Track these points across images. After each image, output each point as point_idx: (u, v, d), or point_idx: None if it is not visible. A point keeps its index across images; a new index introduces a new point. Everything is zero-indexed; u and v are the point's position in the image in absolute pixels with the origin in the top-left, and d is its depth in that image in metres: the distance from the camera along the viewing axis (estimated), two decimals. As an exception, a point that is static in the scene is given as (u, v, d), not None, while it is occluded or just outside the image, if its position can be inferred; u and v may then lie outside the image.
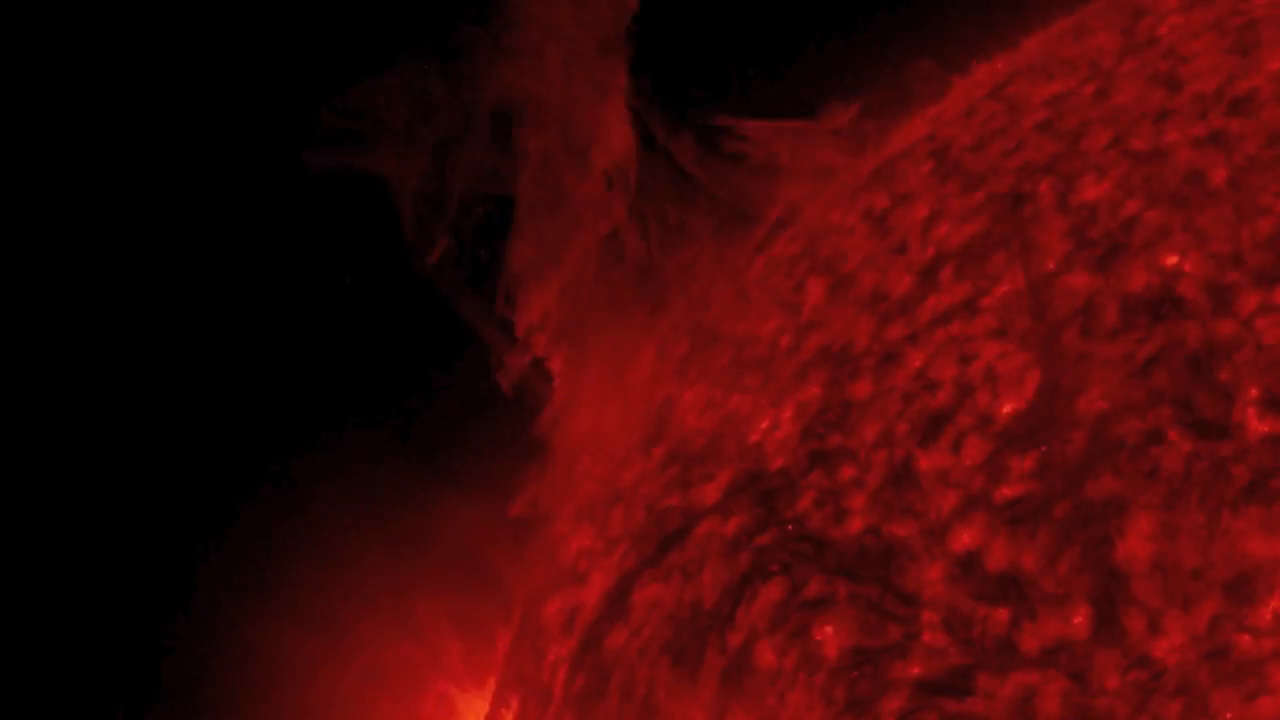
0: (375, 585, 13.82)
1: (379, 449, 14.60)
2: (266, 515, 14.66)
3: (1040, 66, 12.28)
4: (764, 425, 10.86)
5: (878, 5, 15.54)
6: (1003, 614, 8.70)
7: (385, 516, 14.24)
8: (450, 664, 13.38)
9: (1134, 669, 8.23)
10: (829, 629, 9.22)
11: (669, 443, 11.86)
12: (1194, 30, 11.19)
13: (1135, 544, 8.52)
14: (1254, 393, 8.70)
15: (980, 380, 9.65)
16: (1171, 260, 9.47)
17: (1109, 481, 8.74)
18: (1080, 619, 8.49)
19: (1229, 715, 7.93)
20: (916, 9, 15.22)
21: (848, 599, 9.25)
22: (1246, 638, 8.08)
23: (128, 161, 14.76)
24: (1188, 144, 10.12)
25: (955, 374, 9.79)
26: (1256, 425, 8.61)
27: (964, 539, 9.07)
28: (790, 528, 9.89)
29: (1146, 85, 10.97)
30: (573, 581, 11.83)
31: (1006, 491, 9.09)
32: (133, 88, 14.74)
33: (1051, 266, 9.90)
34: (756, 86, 15.48)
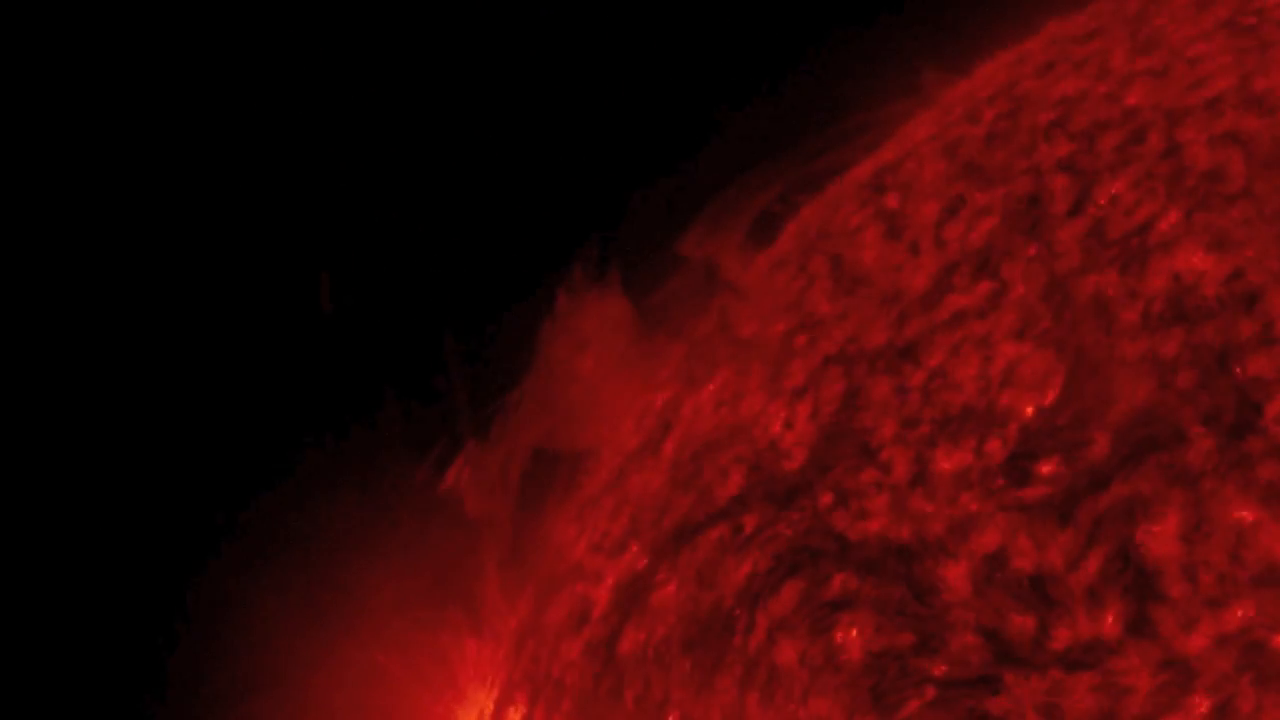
0: (378, 583, 13.76)
1: (382, 446, 14.55)
2: (269, 513, 14.61)
3: (1049, 67, 12.26)
4: (779, 425, 10.82)
5: (879, 5, 15.56)
6: (1030, 613, 8.70)
7: (388, 514, 14.20)
8: (455, 663, 13.33)
9: (1164, 669, 8.24)
10: (852, 629, 9.20)
11: (679, 442, 11.81)
12: (1206, 29, 11.19)
13: (1163, 543, 8.52)
14: (1279, 391, 8.72)
15: (1001, 380, 9.63)
16: (1192, 260, 9.47)
17: (1134, 481, 8.74)
18: (1110, 618, 8.49)
19: (1262, 715, 7.95)
20: (918, 8, 15.23)
21: (871, 598, 9.24)
22: (1278, 637, 8.10)
23: (127, 161, 14.70)
24: (1205, 143, 10.12)
25: (975, 374, 9.77)
26: (1283, 424, 8.64)
27: (989, 539, 9.06)
28: (809, 527, 9.86)
29: (1159, 84, 10.96)
30: (582, 580, 11.77)
31: (1031, 491, 9.08)
32: (131, 87, 14.68)
33: (1070, 266, 9.90)
34: (758, 86, 15.50)
